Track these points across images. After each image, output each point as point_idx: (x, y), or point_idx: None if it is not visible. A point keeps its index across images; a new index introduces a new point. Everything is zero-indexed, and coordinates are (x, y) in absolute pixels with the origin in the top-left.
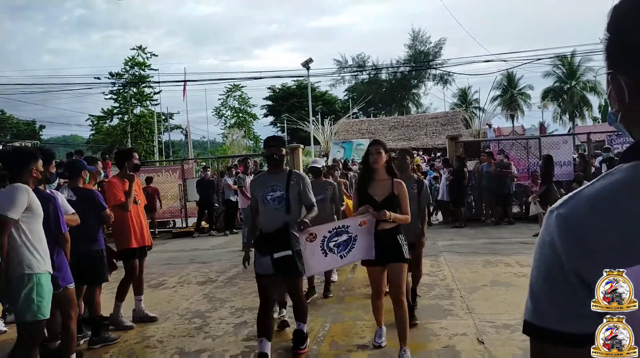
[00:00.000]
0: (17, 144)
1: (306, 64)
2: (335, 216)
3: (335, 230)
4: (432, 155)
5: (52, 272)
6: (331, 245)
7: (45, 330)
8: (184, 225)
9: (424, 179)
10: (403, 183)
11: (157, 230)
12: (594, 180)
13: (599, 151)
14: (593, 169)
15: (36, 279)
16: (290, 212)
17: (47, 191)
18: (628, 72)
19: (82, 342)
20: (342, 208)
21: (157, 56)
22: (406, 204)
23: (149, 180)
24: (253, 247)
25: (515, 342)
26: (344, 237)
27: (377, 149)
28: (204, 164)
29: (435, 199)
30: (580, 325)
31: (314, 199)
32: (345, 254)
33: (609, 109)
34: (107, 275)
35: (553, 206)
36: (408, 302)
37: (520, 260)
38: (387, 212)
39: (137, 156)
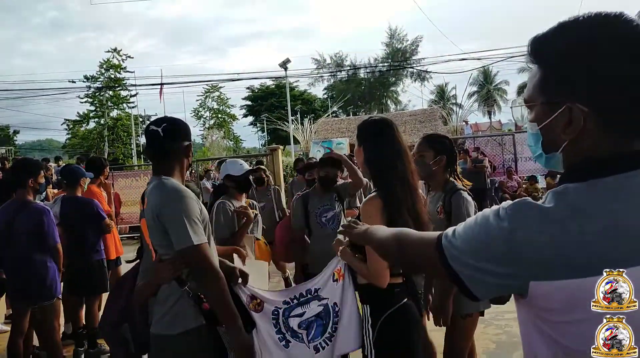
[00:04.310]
0: None
1: (284, 64)
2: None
3: (296, 300)
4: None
5: None
6: (293, 323)
7: (37, 338)
8: None
9: (462, 190)
10: (369, 202)
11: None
12: (547, 196)
13: None
14: None
15: None
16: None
17: (40, 203)
18: (587, 101)
19: (82, 356)
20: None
21: (132, 57)
22: (369, 247)
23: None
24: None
25: (488, 335)
26: (315, 308)
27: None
28: None
29: None
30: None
31: None
32: (322, 344)
33: (531, 139)
34: (108, 285)
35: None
36: None
37: None
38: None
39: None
